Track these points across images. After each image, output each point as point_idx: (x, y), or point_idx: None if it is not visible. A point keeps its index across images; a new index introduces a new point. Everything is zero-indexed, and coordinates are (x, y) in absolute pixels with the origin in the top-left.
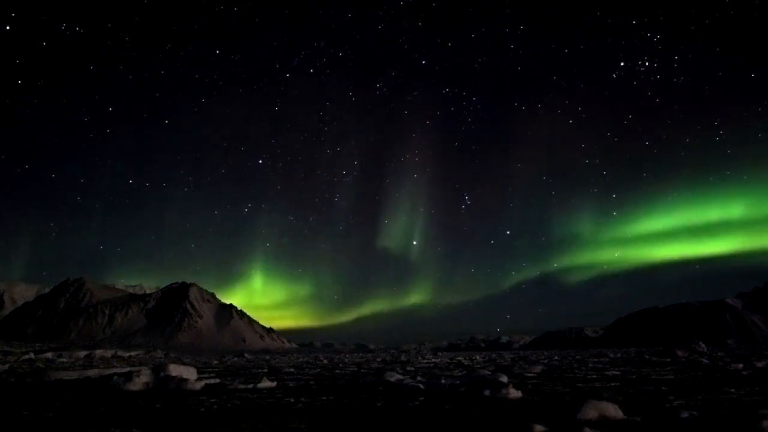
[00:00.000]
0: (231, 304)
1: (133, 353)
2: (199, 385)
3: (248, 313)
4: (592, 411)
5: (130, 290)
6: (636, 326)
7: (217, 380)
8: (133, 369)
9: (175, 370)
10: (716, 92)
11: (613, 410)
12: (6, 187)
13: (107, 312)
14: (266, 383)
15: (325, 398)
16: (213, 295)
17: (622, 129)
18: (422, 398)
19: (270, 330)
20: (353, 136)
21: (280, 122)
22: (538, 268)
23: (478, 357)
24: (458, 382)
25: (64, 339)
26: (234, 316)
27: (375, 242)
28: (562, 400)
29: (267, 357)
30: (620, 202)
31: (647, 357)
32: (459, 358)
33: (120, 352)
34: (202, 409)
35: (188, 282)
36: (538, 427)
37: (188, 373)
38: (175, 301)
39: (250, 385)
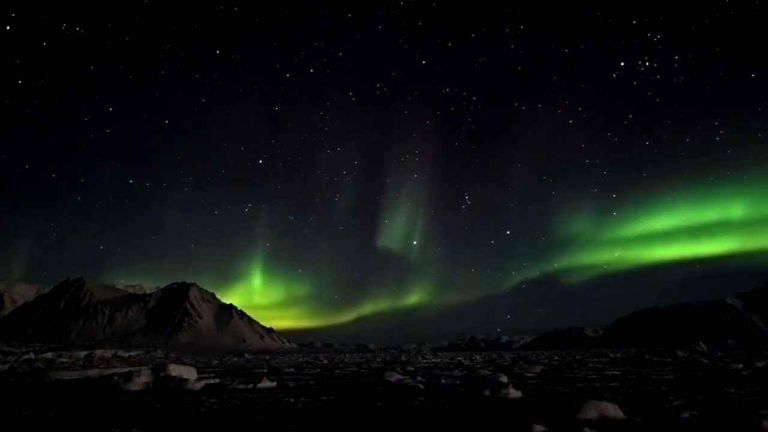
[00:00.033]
0: (231, 304)
1: (133, 353)
2: (199, 385)
3: (248, 313)
4: (592, 411)
5: (130, 290)
6: (636, 326)
7: (217, 380)
8: (133, 369)
9: (175, 370)
10: (716, 92)
11: (613, 410)
12: (6, 187)
13: (107, 312)
14: (266, 383)
15: (325, 398)
16: (213, 295)
17: (622, 129)
18: (422, 398)
19: (270, 330)
20: (353, 136)
21: (280, 122)
22: (538, 268)
23: (478, 357)
24: (458, 382)
25: (64, 339)
26: (234, 316)
27: (375, 242)
28: (562, 400)
29: (267, 357)
30: (620, 202)
31: (647, 357)
32: (459, 358)
33: (120, 352)
34: (202, 409)
35: (188, 282)
36: (538, 427)
37: (188, 373)
38: (175, 301)
39: (250, 385)
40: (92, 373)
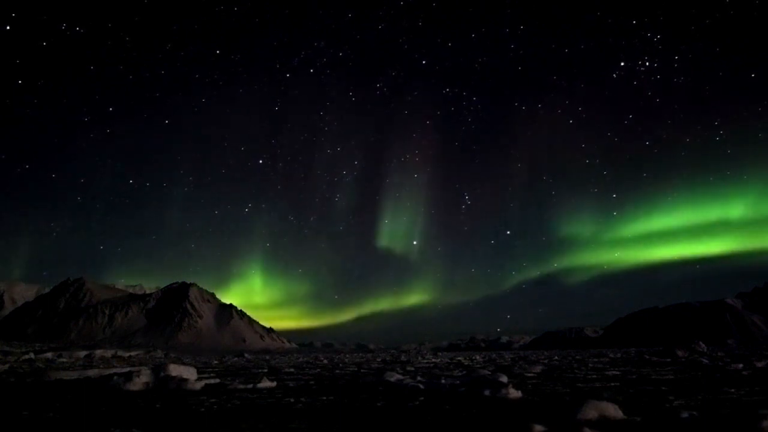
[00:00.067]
0: (231, 304)
1: (133, 353)
2: (199, 385)
3: (248, 313)
4: (592, 411)
5: (130, 290)
6: (636, 326)
7: (217, 380)
8: (133, 369)
9: (175, 370)
10: (716, 92)
11: (613, 410)
12: (6, 187)
13: (107, 312)
14: (266, 383)
15: (325, 398)
16: (213, 295)
17: (622, 129)
18: (422, 398)
19: (270, 330)
20: (353, 136)
21: (280, 122)
22: (538, 268)
23: (478, 357)
24: (458, 382)
25: (64, 339)
26: (234, 316)
27: (375, 242)
28: (562, 400)
29: (267, 357)
30: (620, 202)
31: (647, 357)
32: (459, 358)
33: (120, 352)
34: (202, 409)
35: (188, 282)
36: (538, 427)
37: (188, 373)
38: (175, 301)
39: (250, 385)
40: (92, 373)
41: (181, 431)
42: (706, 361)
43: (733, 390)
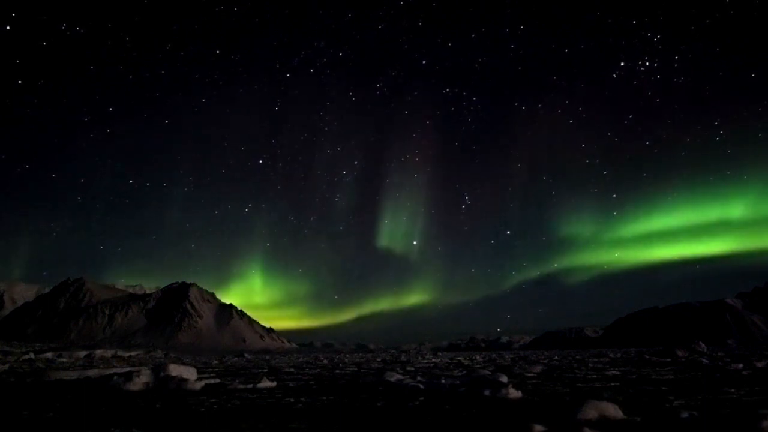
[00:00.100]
0: (231, 304)
1: (133, 353)
2: (199, 385)
3: (248, 313)
4: (592, 411)
5: (130, 290)
6: (636, 326)
7: (217, 380)
8: (133, 369)
9: (175, 370)
10: (716, 92)
11: (613, 410)
12: (6, 187)
13: (107, 312)
14: (266, 383)
15: (325, 398)
16: (213, 295)
17: (622, 129)
18: (422, 398)
19: (270, 330)
20: (353, 136)
21: (280, 122)
22: (538, 268)
23: (478, 357)
24: (458, 382)
25: (64, 339)
26: (234, 316)
27: (375, 242)
28: (562, 400)
29: (267, 357)
30: (620, 202)
31: (647, 357)
32: (459, 358)
33: (120, 352)
34: (202, 409)
35: (188, 282)
36: (538, 427)
37: (188, 373)
38: (175, 301)
39: (250, 385)
40: (92, 373)
41: (181, 431)
42: (706, 361)
43: (733, 390)
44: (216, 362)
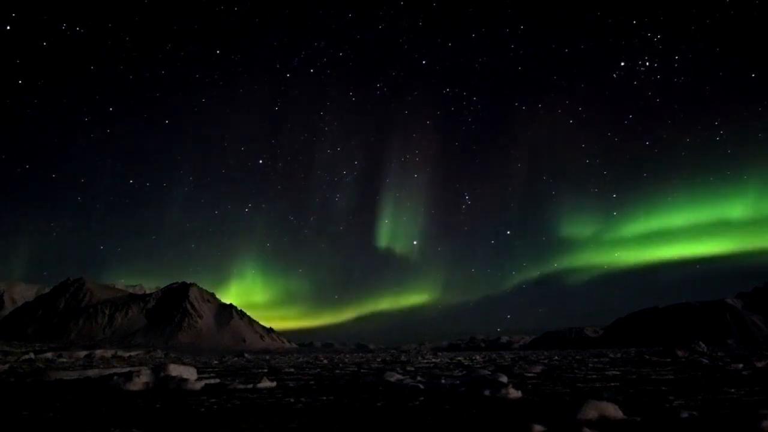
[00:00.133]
0: (231, 304)
1: (133, 353)
2: (199, 385)
3: (248, 313)
4: (592, 411)
5: (130, 290)
6: (636, 326)
7: (217, 380)
8: (133, 369)
9: (175, 370)
10: (716, 92)
11: (613, 410)
12: (6, 187)
13: (107, 312)
14: (266, 383)
15: (325, 398)
16: (213, 295)
17: (622, 129)
18: (422, 398)
19: (270, 330)
20: (353, 136)
21: (280, 122)
22: (539, 268)
23: (478, 357)
24: (458, 382)
25: (64, 339)
26: (234, 316)
27: (375, 242)
28: (562, 400)
29: (267, 357)
30: (620, 202)
31: (647, 357)
32: (459, 358)
33: (120, 352)
34: (202, 409)
35: (188, 282)
36: (538, 427)
37: (188, 373)
38: (175, 301)
39: (250, 385)
40: (92, 373)
41: (181, 431)
42: (706, 361)
43: (733, 390)
44: (216, 362)
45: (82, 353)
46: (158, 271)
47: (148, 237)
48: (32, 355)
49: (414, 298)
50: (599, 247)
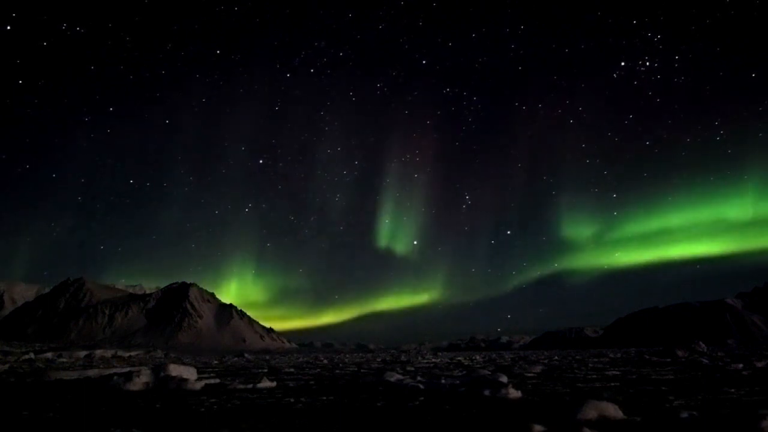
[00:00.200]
0: (231, 304)
1: (133, 353)
2: (199, 385)
3: (248, 313)
4: (592, 411)
5: (130, 290)
6: (636, 326)
7: (217, 380)
8: (133, 369)
9: (175, 370)
10: (716, 92)
11: (613, 410)
12: (6, 187)
13: (107, 312)
14: (266, 383)
15: (325, 398)
16: (213, 295)
17: (622, 129)
18: (422, 398)
19: (270, 330)
20: (353, 136)
21: (280, 122)
22: (539, 268)
23: (478, 357)
24: (458, 382)
25: (64, 339)
26: (234, 316)
27: (375, 242)
28: (562, 400)
29: (267, 357)
30: (620, 202)
31: (647, 357)
32: (459, 358)
33: (120, 352)
34: (202, 409)
35: (188, 282)
36: (538, 427)
37: (188, 373)
38: (175, 301)
39: (250, 385)
40: (92, 373)
41: (181, 431)
42: (706, 361)
43: (733, 390)
44: (216, 362)
45: (82, 353)
46: (158, 271)
47: (148, 237)
48: (32, 355)
49: (414, 298)
50: (599, 247)
